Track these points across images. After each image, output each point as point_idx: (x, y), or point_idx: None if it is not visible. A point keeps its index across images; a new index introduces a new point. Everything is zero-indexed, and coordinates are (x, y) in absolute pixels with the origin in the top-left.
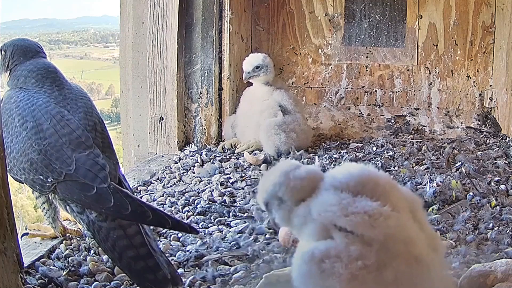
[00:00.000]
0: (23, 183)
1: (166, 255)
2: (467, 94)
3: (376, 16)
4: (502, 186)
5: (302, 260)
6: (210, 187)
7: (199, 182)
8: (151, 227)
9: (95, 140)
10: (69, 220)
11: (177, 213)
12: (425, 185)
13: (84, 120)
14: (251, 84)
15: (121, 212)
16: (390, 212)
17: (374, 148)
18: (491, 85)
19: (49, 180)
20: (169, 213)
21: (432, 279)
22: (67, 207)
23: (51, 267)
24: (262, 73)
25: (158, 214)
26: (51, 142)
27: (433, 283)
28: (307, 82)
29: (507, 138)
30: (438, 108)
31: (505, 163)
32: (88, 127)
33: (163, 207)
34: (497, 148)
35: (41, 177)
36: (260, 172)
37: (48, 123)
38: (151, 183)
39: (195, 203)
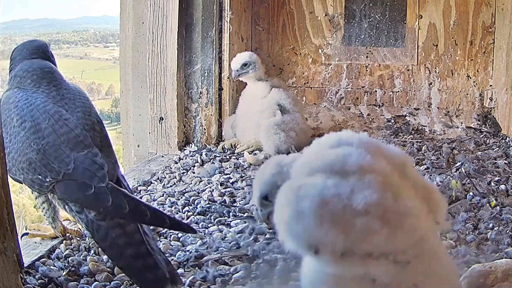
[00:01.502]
0: (22, 183)
1: (166, 255)
2: (467, 94)
3: (376, 16)
4: (502, 186)
5: (284, 192)
6: (210, 187)
7: (199, 182)
8: (151, 227)
9: (93, 139)
10: (69, 220)
11: (177, 213)
12: None
13: (82, 119)
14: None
15: (119, 211)
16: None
17: None
18: (491, 85)
19: (48, 179)
20: (168, 213)
21: (419, 228)
22: (66, 206)
23: (51, 267)
24: (250, 70)
25: (156, 214)
26: (50, 142)
27: (416, 231)
28: (307, 82)
29: (507, 138)
30: (438, 108)
31: (505, 163)
32: (86, 126)
33: (163, 207)
34: (497, 148)
35: (40, 176)
36: None
37: (46, 122)
38: (151, 183)
39: (195, 203)
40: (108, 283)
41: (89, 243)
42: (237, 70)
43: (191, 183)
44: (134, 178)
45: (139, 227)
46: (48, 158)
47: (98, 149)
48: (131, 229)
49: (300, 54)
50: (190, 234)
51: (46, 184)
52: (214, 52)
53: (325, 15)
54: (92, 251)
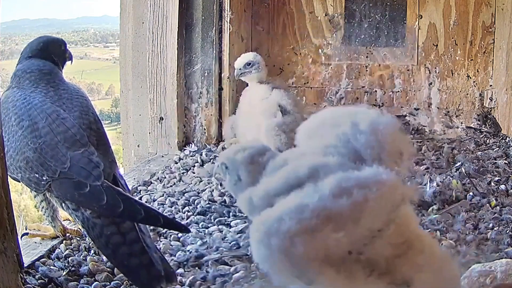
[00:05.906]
0: (19, 181)
1: (166, 255)
2: (467, 94)
3: (376, 16)
4: (502, 186)
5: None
6: (210, 187)
7: (199, 182)
8: (149, 226)
9: (90, 138)
10: (69, 220)
11: (177, 213)
12: (425, 185)
13: (79, 118)
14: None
15: (114, 210)
16: None
17: None
18: (491, 85)
19: (44, 178)
20: (168, 213)
21: None
22: (63, 205)
23: (51, 267)
24: (254, 70)
25: (150, 213)
26: (46, 141)
27: None
28: (307, 82)
29: (507, 138)
30: (438, 108)
31: (505, 163)
32: (83, 125)
33: (163, 207)
34: (497, 148)
35: (37, 175)
36: None
37: (43, 121)
38: (151, 183)
39: (195, 203)
40: (108, 283)
41: (89, 243)
42: (240, 69)
43: (191, 183)
44: (134, 178)
45: (134, 225)
46: (44, 157)
47: (95, 148)
48: (126, 227)
49: (300, 54)
50: (190, 234)
51: (42, 182)
52: (214, 52)
53: (325, 15)
54: (92, 251)
